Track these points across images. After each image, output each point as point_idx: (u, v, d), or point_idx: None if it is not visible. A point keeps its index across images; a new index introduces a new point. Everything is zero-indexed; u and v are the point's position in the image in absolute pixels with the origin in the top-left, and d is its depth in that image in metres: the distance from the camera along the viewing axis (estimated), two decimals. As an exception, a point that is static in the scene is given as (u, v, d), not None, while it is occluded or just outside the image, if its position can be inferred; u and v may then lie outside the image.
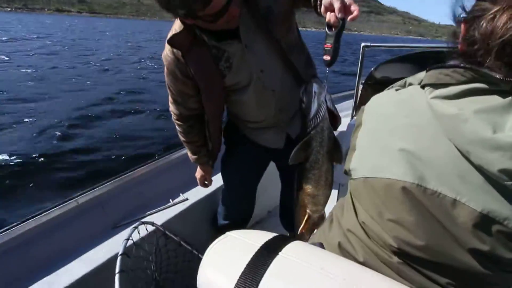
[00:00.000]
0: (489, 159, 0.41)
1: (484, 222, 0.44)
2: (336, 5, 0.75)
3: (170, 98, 1.17)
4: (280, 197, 1.55)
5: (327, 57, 0.83)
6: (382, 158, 0.53)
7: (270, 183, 1.44)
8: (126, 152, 4.43)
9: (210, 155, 1.30)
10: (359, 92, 1.65)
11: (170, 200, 1.52)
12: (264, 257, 0.50)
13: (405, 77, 0.63)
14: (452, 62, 0.50)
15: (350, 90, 2.89)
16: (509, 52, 0.40)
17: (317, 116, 0.88)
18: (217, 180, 1.65)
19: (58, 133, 4.99)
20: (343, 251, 0.63)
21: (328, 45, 0.82)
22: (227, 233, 0.59)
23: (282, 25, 1.00)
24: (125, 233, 1.17)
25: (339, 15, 0.76)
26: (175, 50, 0.99)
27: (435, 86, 0.49)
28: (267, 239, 0.54)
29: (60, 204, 1.27)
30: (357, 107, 1.54)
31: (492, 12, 0.41)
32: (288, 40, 1.04)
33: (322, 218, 1.00)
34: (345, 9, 0.76)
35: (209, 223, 1.68)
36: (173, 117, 1.23)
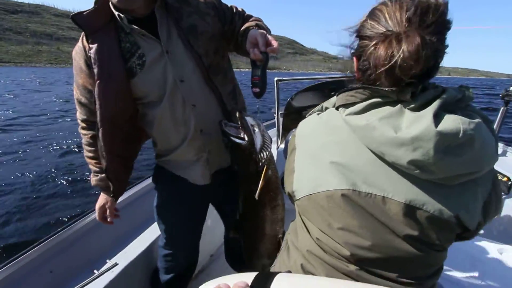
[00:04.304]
0: (398, 155, 0.51)
1: (410, 210, 0.54)
2: (260, 39, 0.88)
3: (76, 102, 1.07)
4: (224, 235, 1.47)
5: (256, 89, 0.91)
6: (318, 174, 0.60)
7: (207, 226, 1.35)
8: (26, 224, 3.31)
9: (111, 181, 1.10)
10: (280, 120, 1.73)
11: (95, 271, 1.29)
12: None
13: (316, 103, 0.71)
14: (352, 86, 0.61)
15: (268, 120, 3.10)
16: (392, 73, 0.51)
17: (265, 147, 0.92)
18: (148, 236, 1.51)
19: None
20: (306, 273, 0.65)
21: (256, 78, 0.91)
22: (205, 284, 0.55)
23: (206, 43, 1.02)
24: None
25: (262, 48, 0.87)
26: (84, 40, 0.95)
27: (346, 106, 0.60)
28: (250, 283, 0.53)
29: None
30: (282, 134, 1.64)
31: (371, 45, 0.53)
32: (213, 61, 1.05)
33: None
34: (267, 43, 0.89)
35: (147, 286, 1.48)
36: (80, 125, 1.11)
